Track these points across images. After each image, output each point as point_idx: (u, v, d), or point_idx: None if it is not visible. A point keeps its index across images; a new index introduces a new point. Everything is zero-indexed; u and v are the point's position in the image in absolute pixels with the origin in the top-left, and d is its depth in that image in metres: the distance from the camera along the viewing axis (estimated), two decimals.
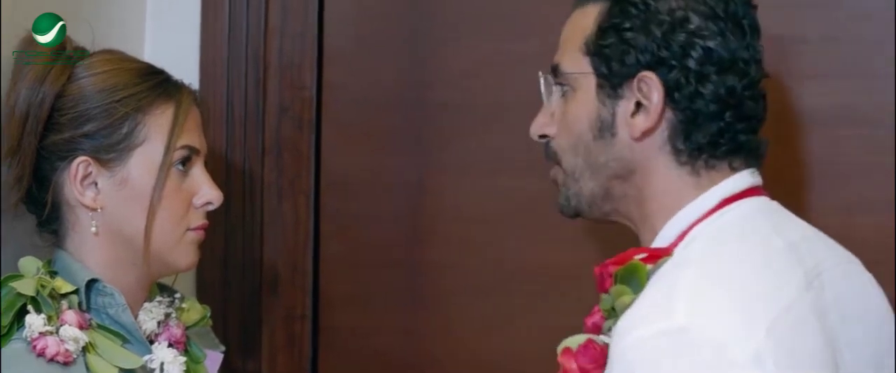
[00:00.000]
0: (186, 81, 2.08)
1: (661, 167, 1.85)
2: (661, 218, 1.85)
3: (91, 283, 1.98)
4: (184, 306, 2.12)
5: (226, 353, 2.20)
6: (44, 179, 1.99)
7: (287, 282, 2.58)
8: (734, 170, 1.85)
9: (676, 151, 1.84)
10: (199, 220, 2.04)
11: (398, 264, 2.54)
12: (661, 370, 1.63)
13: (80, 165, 1.97)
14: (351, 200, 2.55)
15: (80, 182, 1.98)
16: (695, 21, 1.83)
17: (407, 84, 2.49)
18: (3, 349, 1.89)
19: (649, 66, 1.83)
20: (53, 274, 1.97)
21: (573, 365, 1.80)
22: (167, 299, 2.09)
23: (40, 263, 1.97)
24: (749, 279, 1.72)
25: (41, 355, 1.88)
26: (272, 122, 2.53)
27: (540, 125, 1.94)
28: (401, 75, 2.50)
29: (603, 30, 1.86)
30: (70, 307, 1.94)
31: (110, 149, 1.97)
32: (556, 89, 1.92)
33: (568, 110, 1.89)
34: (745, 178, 1.85)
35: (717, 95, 1.82)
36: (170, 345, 2.05)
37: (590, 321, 1.85)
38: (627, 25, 1.83)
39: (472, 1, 2.45)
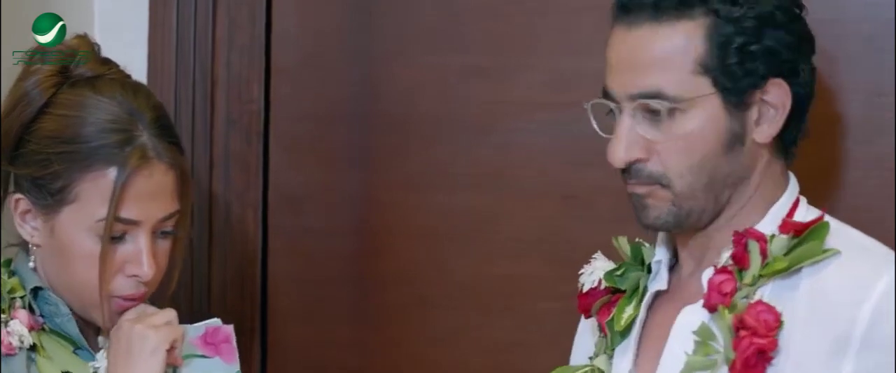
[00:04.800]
0: None
1: (771, 166, 1.92)
2: (759, 208, 1.90)
3: (37, 290, 1.97)
4: None
5: None
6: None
7: (235, 296, 2.57)
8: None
9: (784, 149, 1.92)
10: (126, 289, 1.97)
11: (346, 279, 2.54)
12: None
13: (17, 201, 1.97)
14: (299, 215, 2.54)
15: (20, 216, 1.97)
16: (796, 21, 1.89)
17: (354, 98, 2.49)
18: None
19: (777, 74, 1.86)
20: (12, 273, 1.97)
21: (762, 323, 1.81)
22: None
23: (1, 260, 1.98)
24: None
25: None
26: (220, 136, 2.53)
27: (630, 153, 1.88)
28: (348, 90, 2.50)
29: (722, 47, 1.85)
30: (22, 307, 1.95)
31: (44, 198, 1.95)
32: (644, 114, 1.86)
33: (684, 131, 1.86)
34: None
35: (813, 87, 1.92)
36: None
37: (724, 289, 1.85)
38: (747, 40, 1.85)
39: (418, 16, 2.45)
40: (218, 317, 2.10)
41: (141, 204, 1.94)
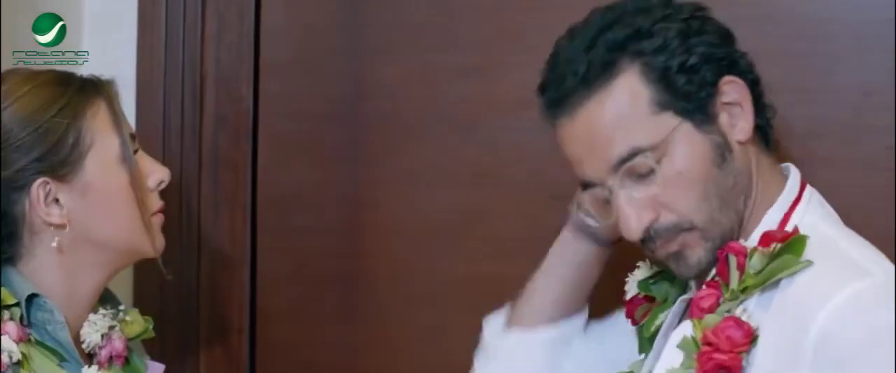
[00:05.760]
0: (123, 93, 2.09)
1: (762, 161, 1.89)
2: (760, 210, 1.88)
3: (32, 297, 1.97)
4: (127, 318, 2.11)
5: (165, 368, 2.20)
6: (5, 214, 1.98)
7: (224, 296, 2.57)
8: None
9: (765, 139, 1.90)
10: (157, 203, 2.08)
11: (335, 278, 2.54)
12: (883, 317, 1.73)
13: (39, 187, 1.97)
14: (288, 214, 2.54)
15: (45, 204, 1.98)
16: (708, 20, 1.88)
17: (343, 97, 2.49)
18: None
19: (723, 73, 1.85)
20: None
21: (724, 340, 1.78)
22: (111, 311, 2.08)
23: None
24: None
25: None
26: (209, 134, 2.53)
27: (643, 219, 1.84)
28: (337, 88, 2.50)
29: (665, 78, 1.83)
30: (11, 319, 1.94)
31: (63, 164, 1.97)
32: (632, 178, 1.84)
33: (676, 171, 1.83)
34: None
35: (754, 70, 1.91)
36: (110, 362, 2.05)
37: (703, 304, 1.82)
38: (681, 58, 1.83)
39: (407, 13, 2.45)
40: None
41: (124, 121, 2.04)
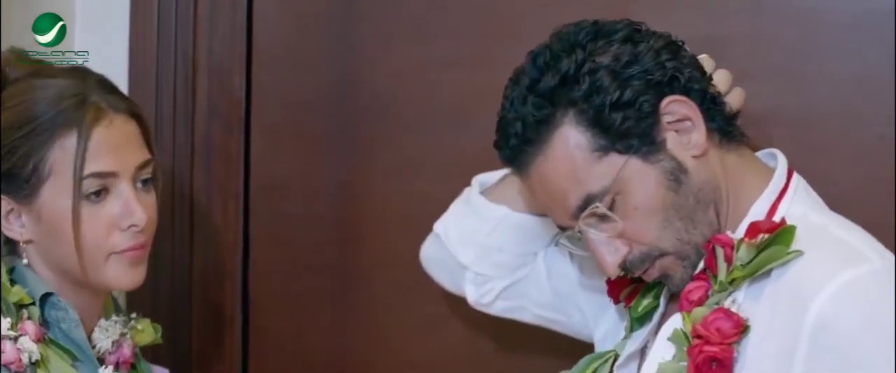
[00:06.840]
0: (116, 83, 2.06)
1: (726, 161, 1.88)
2: (740, 204, 1.87)
3: (46, 296, 1.98)
4: (138, 326, 2.12)
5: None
6: None
7: (216, 285, 2.57)
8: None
9: (727, 136, 1.88)
10: (125, 242, 1.98)
11: (328, 267, 2.54)
12: (881, 304, 1.73)
13: (3, 202, 1.96)
14: (280, 203, 2.54)
15: (5, 218, 1.97)
16: (640, 43, 1.84)
17: (336, 87, 2.49)
18: None
19: (660, 97, 1.82)
20: (12, 282, 1.97)
21: (714, 332, 1.79)
22: (123, 319, 2.09)
23: (3, 269, 1.97)
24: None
25: None
26: (201, 124, 2.52)
27: (617, 255, 1.87)
28: (330, 78, 2.49)
29: (600, 121, 1.82)
30: (29, 318, 1.95)
31: (21, 186, 1.95)
32: (596, 219, 1.85)
33: (633, 206, 1.84)
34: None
35: (700, 71, 1.88)
36: (116, 368, 2.05)
37: (692, 297, 1.84)
38: (614, 96, 1.81)
39: (401, 4, 2.45)
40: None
41: (112, 154, 1.97)
